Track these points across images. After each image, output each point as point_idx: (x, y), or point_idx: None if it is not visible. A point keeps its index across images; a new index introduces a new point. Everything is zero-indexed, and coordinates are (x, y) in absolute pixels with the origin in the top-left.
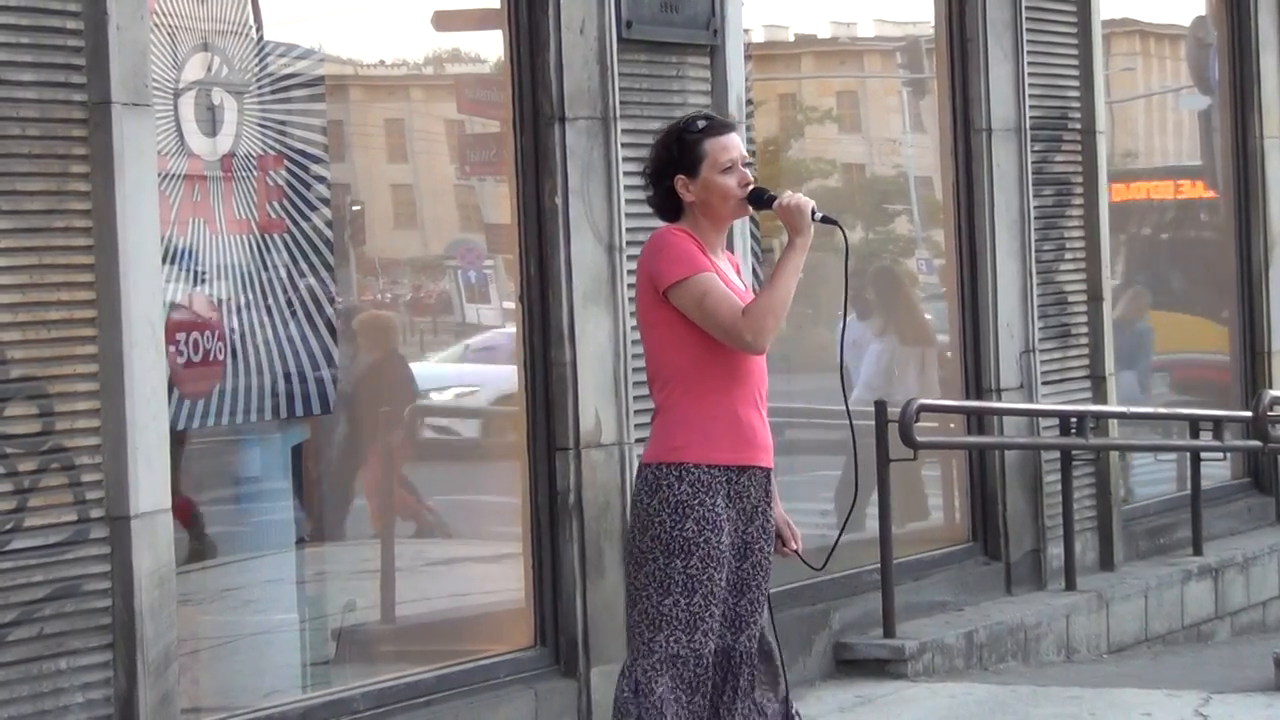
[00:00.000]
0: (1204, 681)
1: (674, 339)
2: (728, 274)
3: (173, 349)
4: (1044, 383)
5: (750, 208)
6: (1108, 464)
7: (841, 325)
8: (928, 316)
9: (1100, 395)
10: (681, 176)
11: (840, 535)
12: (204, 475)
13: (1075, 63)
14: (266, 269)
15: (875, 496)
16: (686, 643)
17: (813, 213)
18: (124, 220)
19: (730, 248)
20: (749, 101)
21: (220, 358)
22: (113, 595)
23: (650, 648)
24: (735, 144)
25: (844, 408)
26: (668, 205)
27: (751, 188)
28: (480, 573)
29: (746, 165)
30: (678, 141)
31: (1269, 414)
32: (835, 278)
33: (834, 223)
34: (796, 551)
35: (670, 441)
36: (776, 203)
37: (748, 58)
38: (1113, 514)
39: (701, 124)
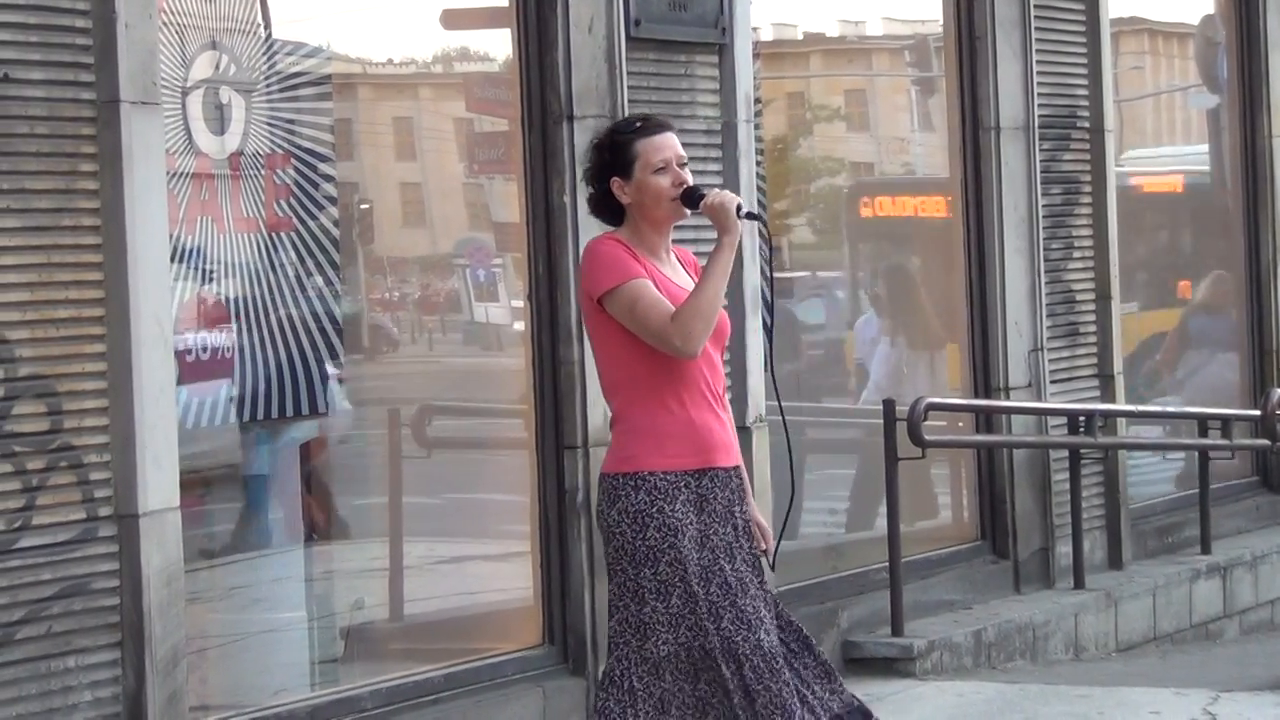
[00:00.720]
0: (1212, 680)
1: (618, 348)
2: (670, 276)
3: (181, 347)
4: (1052, 381)
5: (687, 210)
6: (1116, 463)
7: (769, 324)
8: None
9: (1108, 394)
10: (616, 179)
11: (779, 539)
12: (212, 473)
13: (1084, 61)
14: (274, 267)
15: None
16: (674, 640)
17: (738, 209)
18: (132, 219)
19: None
20: (757, 100)
21: (228, 356)
22: (121, 593)
23: (641, 655)
24: (669, 144)
25: (854, 407)
26: (606, 208)
27: (684, 188)
28: (489, 571)
29: (682, 166)
30: (610, 143)
31: (1278, 412)
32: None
33: (758, 218)
34: (765, 552)
35: (624, 451)
36: (702, 202)
37: (756, 56)
38: (1121, 513)
39: (636, 124)
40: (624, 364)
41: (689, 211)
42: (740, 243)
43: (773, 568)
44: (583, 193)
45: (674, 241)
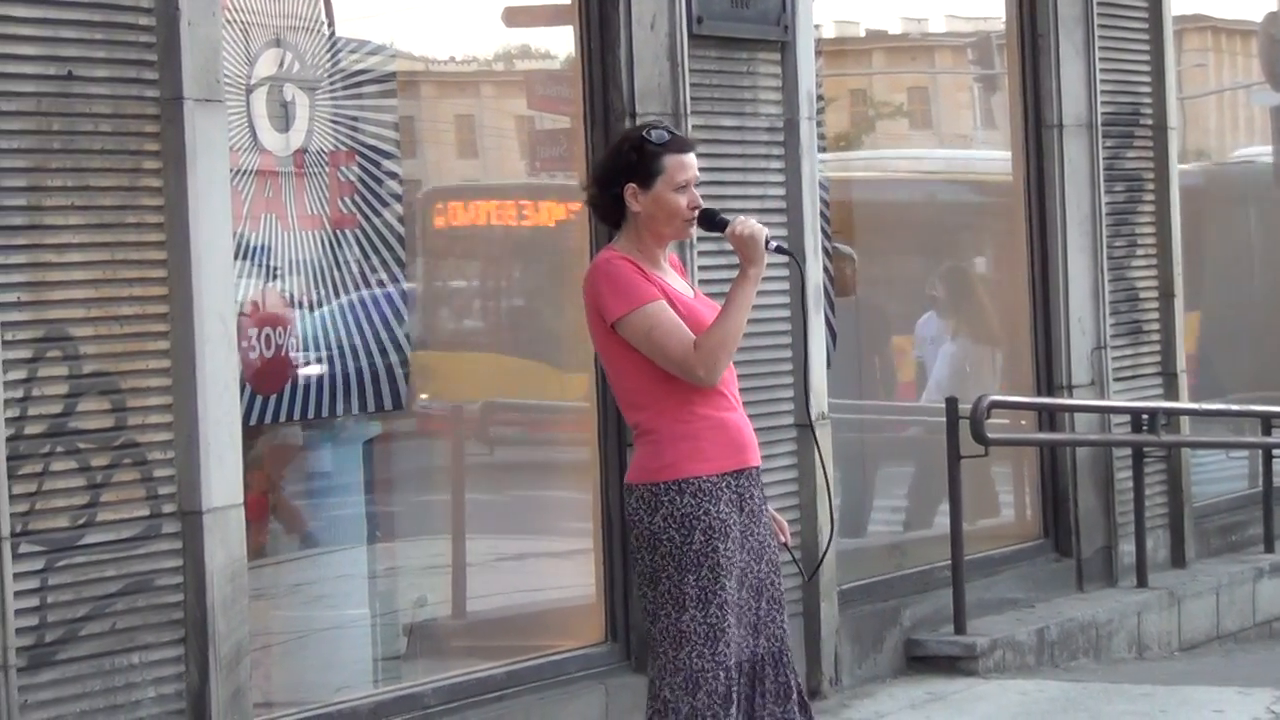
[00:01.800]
0: (1276, 679)
1: (637, 365)
2: (674, 285)
3: (245, 344)
4: (1115, 379)
5: (693, 230)
6: (1179, 461)
7: (805, 353)
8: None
9: (1172, 392)
10: (633, 185)
11: (832, 536)
12: (276, 470)
13: (1147, 58)
14: (338, 264)
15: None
16: (710, 656)
17: (766, 242)
18: (196, 216)
19: (802, 247)
20: (820, 97)
21: (292, 353)
22: (185, 590)
23: (675, 665)
24: (692, 164)
25: (919, 404)
26: (611, 210)
27: (701, 209)
28: (551, 568)
29: (695, 186)
30: (638, 149)
31: None
32: (902, 285)
33: (788, 253)
34: (786, 545)
35: (660, 460)
36: (729, 229)
37: (818, 53)
38: (1184, 511)
39: (665, 136)
40: (646, 380)
41: (695, 233)
42: (802, 239)
43: (809, 577)
44: None
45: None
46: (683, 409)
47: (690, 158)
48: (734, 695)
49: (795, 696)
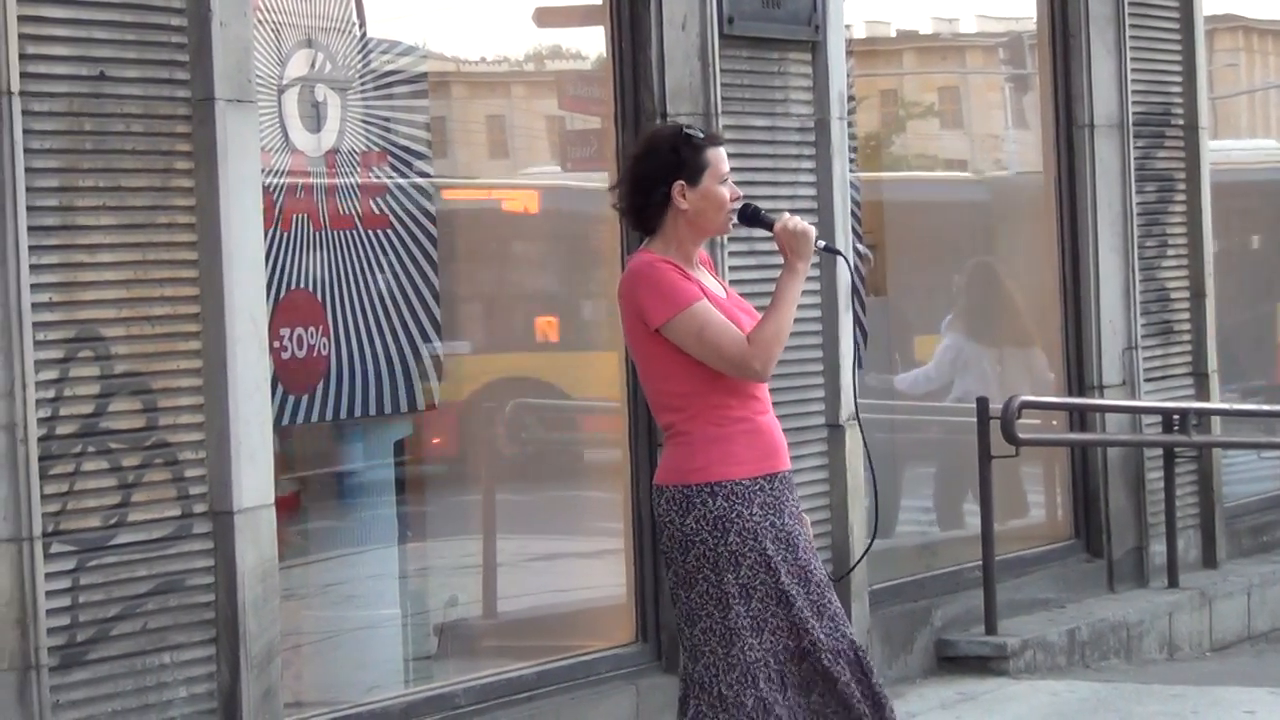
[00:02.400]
0: None
1: (676, 367)
2: (709, 285)
3: (276, 344)
4: (1146, 379)
5: (733, 224)
6: (1210, 461)
7: (856, 356)
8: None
9: (1203, 392)
10: (681, 183)
11: (870, 545)
12: (307, 470)
13: (1178, 58)
14: (369, 264)
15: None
16: (758, 646)
17: (815, 240)
18: (227, 216)
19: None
20: (851, 97)
21: (323, 353)
22: (216, 590)
23: (729, 662)
24: (726, 157)
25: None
26: (647, 214)
27: (743, 203)
28: (582, 568)
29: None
30: (686, 146)
31: None
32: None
33: (837, 252)
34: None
35: (693, 463)
36: (778, 225)
37: (849, 53)
38: (1215, 511)
39: (701, 133)
40: (685, 382)
41: (733, 226)
42: (833, 240)
43: (840, 578)
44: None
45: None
46: (717, 412)
47: (724, 151)
48: (786, 681)
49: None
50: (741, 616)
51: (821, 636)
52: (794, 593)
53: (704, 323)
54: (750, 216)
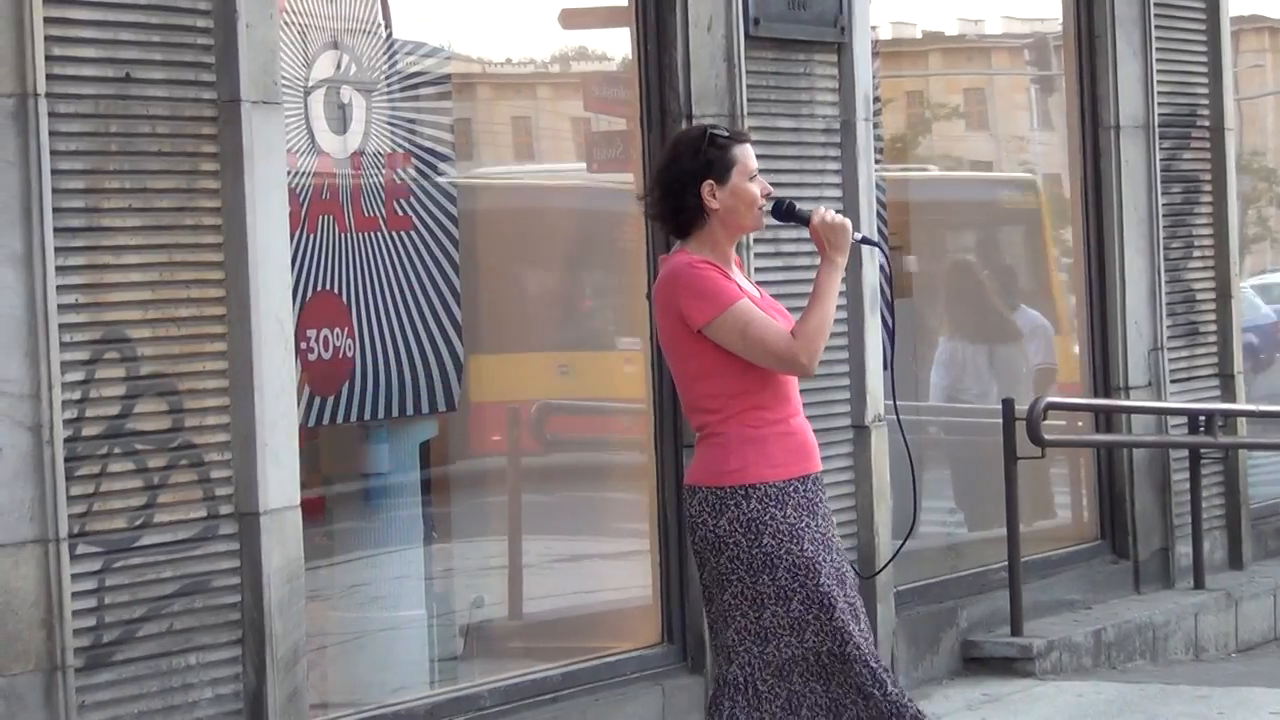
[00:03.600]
0: None
1: (714, 368)
2: (747, 287)
3: (302, 346)
4: (1172, 381)
5: (766, 220)
6: (1236, 462)
7: (890, 350)
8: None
9: (1229, 393)
10: (711, 182)
11: (904, 543)
12: (333, 472)
13: (1204, 59)
14: (395, 266)
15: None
16: (798, 644)
17: (851, 232)
18: (253, 218)
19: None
20: (876, 99)
21: (349, 355)
22: (242, 591)
23: (764, 659)
24: (753, 154)
25: (974, 405)
26: (681, 216)
27: (774, 198)
28: (607, 569)
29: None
30: (710, 146)
31: None
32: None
33: (875, 244)
34: None
35: (727, 464)
36: (815, 219)
37: (875, 55)
38: (1241, 512)
39: (726, 131)
40: (722, 383)
41: (767, 223)
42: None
43: (870, 575)
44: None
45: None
46: (752, 414)
47: (751, 148)
48: (823, 674)
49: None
50: (779, 617)
51: (861, 642)
52: (835, 595)
53: (748, 320)
54: (785, 212)
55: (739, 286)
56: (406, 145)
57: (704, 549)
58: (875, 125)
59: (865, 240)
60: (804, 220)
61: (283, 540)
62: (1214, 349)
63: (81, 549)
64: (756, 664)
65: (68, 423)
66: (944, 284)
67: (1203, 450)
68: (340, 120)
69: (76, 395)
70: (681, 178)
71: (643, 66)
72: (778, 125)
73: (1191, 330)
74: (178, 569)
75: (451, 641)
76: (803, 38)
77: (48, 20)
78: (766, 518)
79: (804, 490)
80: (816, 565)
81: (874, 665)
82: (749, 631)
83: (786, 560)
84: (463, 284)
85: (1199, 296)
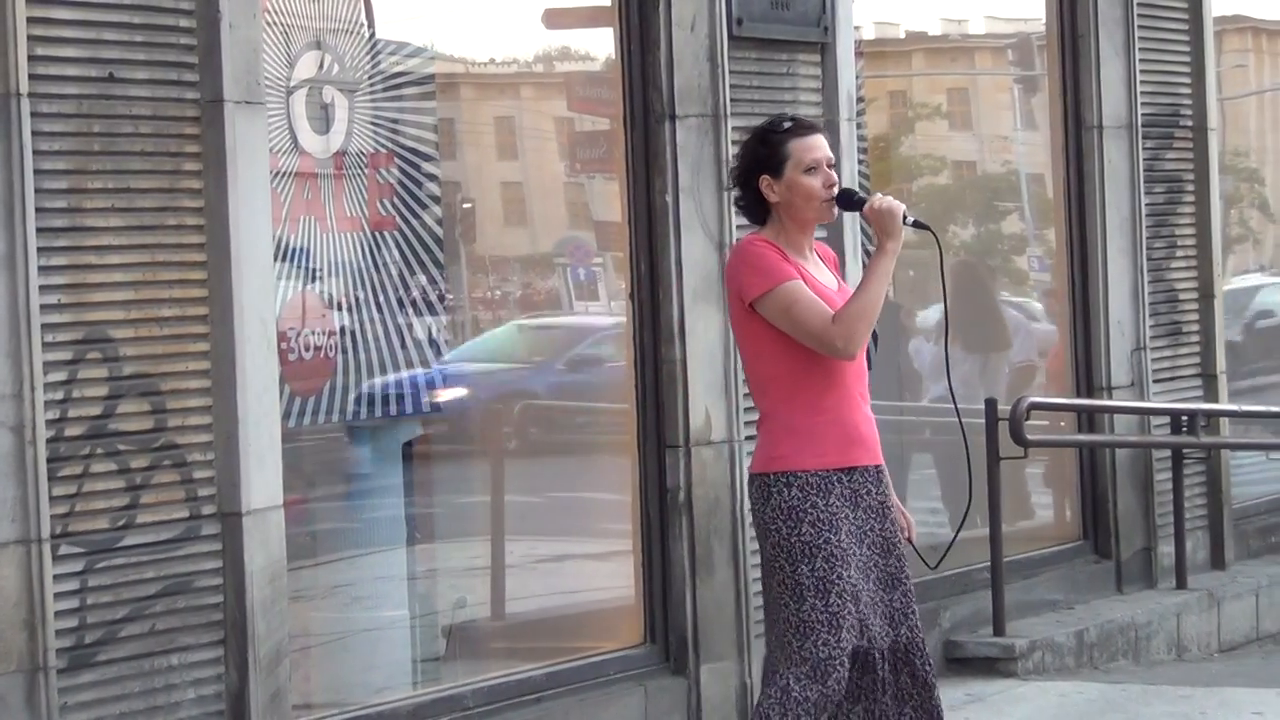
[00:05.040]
0: None
1: (769, 348)
2: (816, 276)
3: (284, 346)
4: (1155, 381)
5: (835, 210)
6: (1219, 463)
7: (945, 335)
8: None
9: (1211, 393)
10: (766, 177)
11: (956, 536)
12: (315, 472)
13: (1187, 59)
14: (377, 266)
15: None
16: (835, 644)
17: (904, 217)
18: (236, 218)
19: (840, 248)
20: (860, 99)
21: (331, 355)
22: (224, 591)
23: (801, 655)
24: (820, 145)
25: (952, 407)
26: (755, 207)
27: (839, 189)
28: (590, 570)
29: (831, 167)
30: (762, 142)
31: None
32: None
33: (926, 228)
34: (910, 541)
35: (775, 450)
36: (866, 205)
37: (858, 55)
38: (1224, 512)
39: (787, 124)
40: (774, 364)
41: (837, 213)
42: (841, 241)
43: (936, 565)
44: (685, 193)
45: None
46: (803, 400)
47: (814, 139)
48: (843, 685)
49: (935, 686)
50: (817, 610)
51: (877, 637)
52: (862, 589)
53: (794, 299)
54: (845, 200)
55: (803, 271)
56: (389, 145)
57: (758, 535)
58: (858, 125)
59: (917, 223)
60: (860, 207)
61: (265, 541)
62: (1196, 349)
63: (64, 549)
64: (794, 659)
65: (50, 423)
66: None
67: (1185, 450)
68: (323, 120)
69: (59, 395)
70: (743, 171)
71: (626, 66)
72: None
73: (1174, 330)
74: (160, 569)
75: (434, 642)
76: (786, 37)
77: (30, 20)
78: (807, 505)
79: (849, 482)
80: (849, 558)
81: (887, 659)
82: (790, 623)
83: (825, 550)
84: (446, 283)
85: (1182, 297)
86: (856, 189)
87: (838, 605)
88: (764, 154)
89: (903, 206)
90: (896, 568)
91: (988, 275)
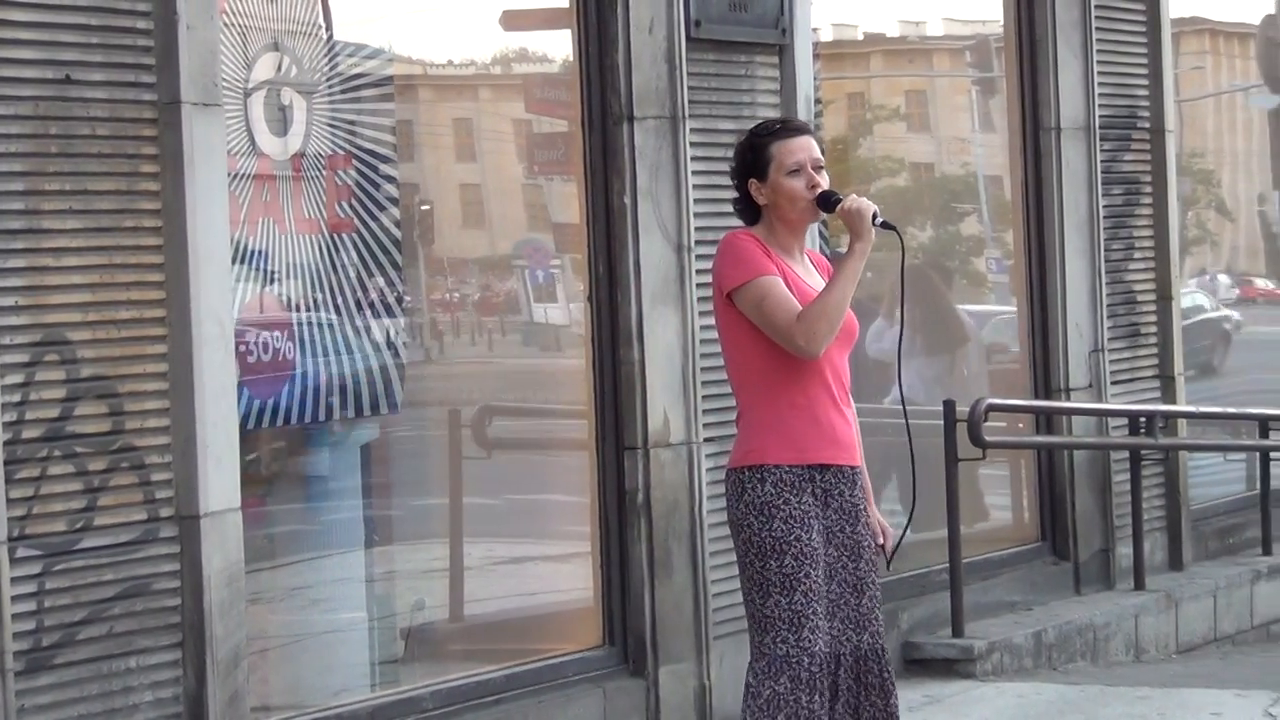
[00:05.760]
0: (1273, 682)
1: (746, 342)
2: (804, 278)
3: (242, 348)
4: (1113, 382)
5: (820, 211)
6: (1177, 464)
7: (899, 332)
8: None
9: (1169, 395)
10: (754, 180)
11: (903, 535)
12: (273, 474)
13: (1144, 61)
14: (335, 268)
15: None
16: (795, 642)
17: (874, 217)
18: (194, 220)
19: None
20: (818, 100)
21: (289, 357)
22: (182, 594)
23: (760, 650)
24: (804, 146)
25: (916, 407)
26: (748, 210)
27: (820, 191)
28: (549, 572)
29: (818, 169)
30: (750, 146)
31: None
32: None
33: (893, 229)
34: (883, 548)
35: (749, 445)
36: (840, 206)
37: (816, 57)
38: (1181, 514)
39: (774, 127)
40: (752, 359)
41: (823, 215)
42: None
43: (889, 566)
44: (643, 195)
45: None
46: (780, 397)
47: (799, 141)
48: (818, 684)
49: (893, 692)
50: (780, 608)
51: (840, 640)
52: (823, 589)
53: (766, 294)
54: (825, 202)
55: (787, 269)
56: (347, 147)
57: (731, 531)
58: (817, 127)
59: (885, 225)
60: (835, 208)
61: (223, 543)
62: (1154, 350)
63: (21, 552)
64: (756, 654)
65: (7, 425)
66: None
67: (1143, 451)
68: (281, 122)
69: (16, 398)
70: (735, 174)
71: (584, 68)
72: (719, 127)
73: (1132, 332)
74: (118, 572)
75: (393, 644)
76: (744, 39)
77: None
78: (779, 502)
79: (822, 480)
80: (817, 557)
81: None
82: (754, 618)
83: (795, 548)
84: (404, 285)
85: (1140, 298)
86: (837, 191)
87: (801, 604)
88: (751, 157)
89: (873, 207)
90: (865, 572)
91: (940, 278)
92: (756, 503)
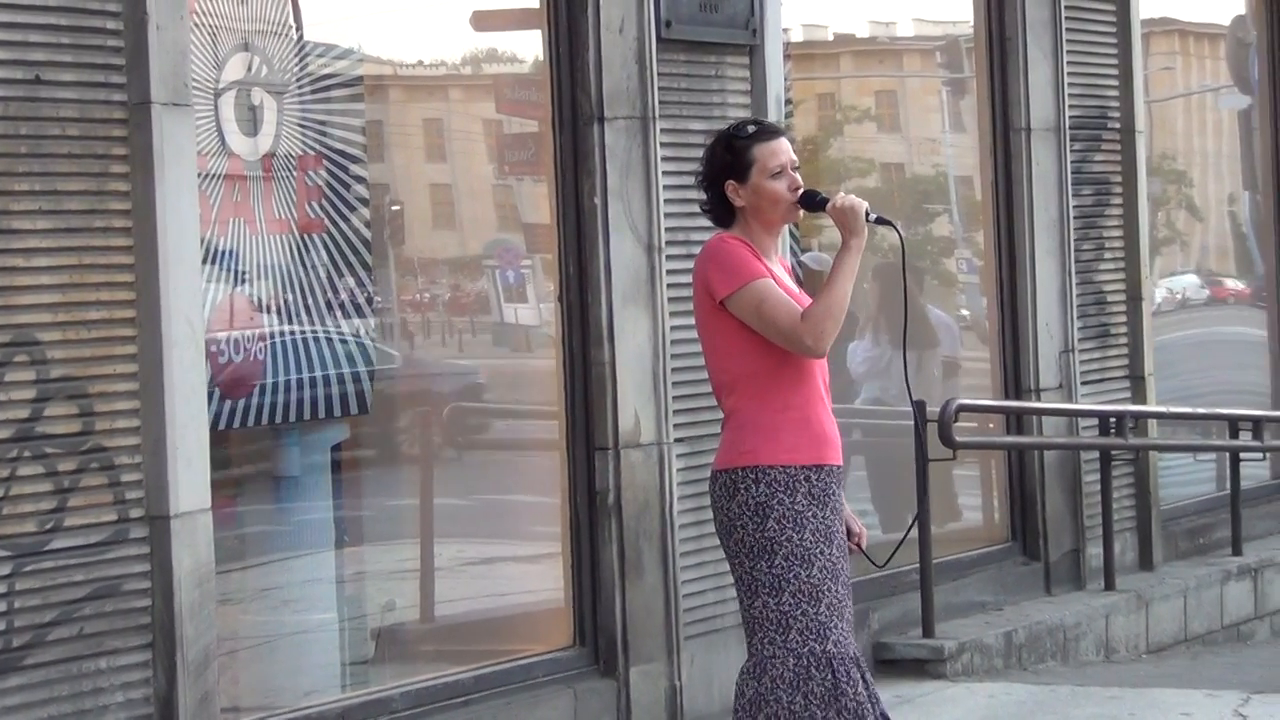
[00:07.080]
0: (1243, 682)
1: (736, 346)
2: (782, 278)
3: (213, 349)
4: (1083, 383)
5: (801, 211)
6: (1147, 464)
7: (903, 325)
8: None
9: (1139, 395)
10: (732, 182)
11: (906, 535)
12: (244, 475)
13: (1115, 62)
14: (306, 269)
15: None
16: (781, 644)
17: (866, 214)
18: (164, 220)
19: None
20: (788, 101)
21: (260, 357)
22: (152, 595)
23: (749, 650)
24: (785, 149)
25: (886, 408)
26: (720, 211)
27: (803, 191)
28: (519, 573)
29: (795, 169)
30: (727, 148)
31: None
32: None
33: (889, 223)
34: (859, 545)
35: (742, 446)
36: (830, 204)
37: (787, 57)
38: (1152, 514)
39: (751, 129)
40: (742, 361)
41: (802, 214)
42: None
43: (884, 564)
44: (613, 195)
45: None
46: (771, 398)
47: (779, 143)
48: (802, 684)
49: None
50: (769, 609)
51: (840, 639)
52: (825, 589)
53: (764, 297)
54: (808, 202)
55: (772, 272)
56: (318, 147)
57: (720, 533)
58: (787, 128)
59: (880, 220)
60: (822, 207)
61: (193, 544)
62: (1125, 351)
63: None
64: (748, 653)
65: None
66: (871, 287)
67: (1114, 452)
68: (251, 122)
69: None
70: (709, 176)
71: (554, 69)
72: (689, 128)
73: (1102, 332)
74: (88, 573)
75: (363, 645)
76: (714, 40)
77: None
78: (774, 502)
79: (816, 480)
80: (811, 557)
81: (848, 667)
82: (744, 618)
83: (786, 548)
84: (375, 286)
85: (1110, 299)
86: (819, 190)
87: (790, 605)
88: (729, 160)
89: (865, 204)
90: (848, 573)
91: (911, 278)
92: (750, 503)
